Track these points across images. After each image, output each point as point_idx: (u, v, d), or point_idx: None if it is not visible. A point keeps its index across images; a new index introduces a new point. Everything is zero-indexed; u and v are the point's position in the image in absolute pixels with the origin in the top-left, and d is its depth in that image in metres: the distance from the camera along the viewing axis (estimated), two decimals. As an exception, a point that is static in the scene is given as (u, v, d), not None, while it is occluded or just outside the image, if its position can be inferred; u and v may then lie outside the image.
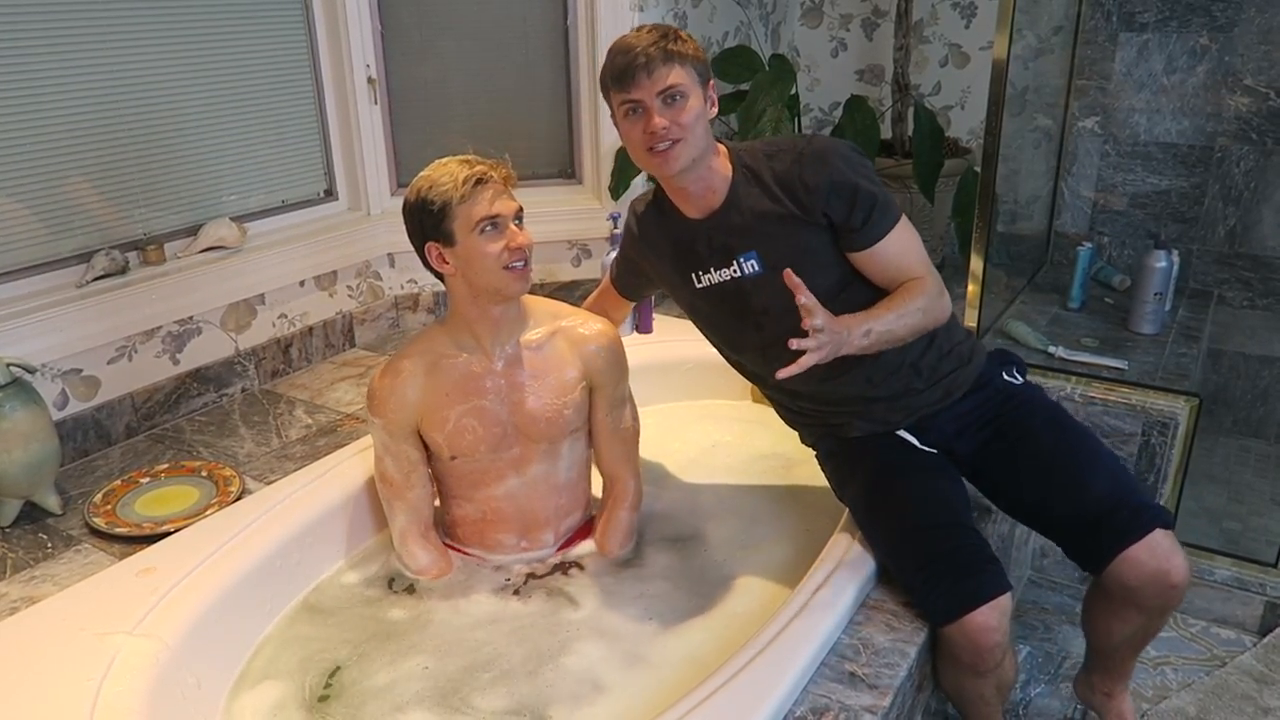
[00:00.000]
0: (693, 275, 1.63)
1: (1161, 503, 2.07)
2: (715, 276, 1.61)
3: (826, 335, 1.36)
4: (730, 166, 1.56)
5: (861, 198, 1.49)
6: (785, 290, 1.49)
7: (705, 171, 1.53)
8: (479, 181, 1.51)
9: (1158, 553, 1.43)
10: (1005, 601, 1.39)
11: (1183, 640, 2.03)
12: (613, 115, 1.53)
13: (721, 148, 1.58)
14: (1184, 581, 1.45)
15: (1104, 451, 1.57)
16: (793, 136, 1.60)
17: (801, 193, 1.51)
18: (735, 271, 1.58)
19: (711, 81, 1.52)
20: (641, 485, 1.81)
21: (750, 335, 1.62)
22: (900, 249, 1.54)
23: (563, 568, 1.72)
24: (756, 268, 1.55)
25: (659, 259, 1.69)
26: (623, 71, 1.45)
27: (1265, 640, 2.00)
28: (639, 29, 1.48)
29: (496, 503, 1.70)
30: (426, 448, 1.68)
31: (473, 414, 1.62)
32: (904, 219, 1.55)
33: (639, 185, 2.64)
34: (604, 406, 1.73)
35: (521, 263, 1.55)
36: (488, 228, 1.52)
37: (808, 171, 1.50)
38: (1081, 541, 1.51)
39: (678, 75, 1.44)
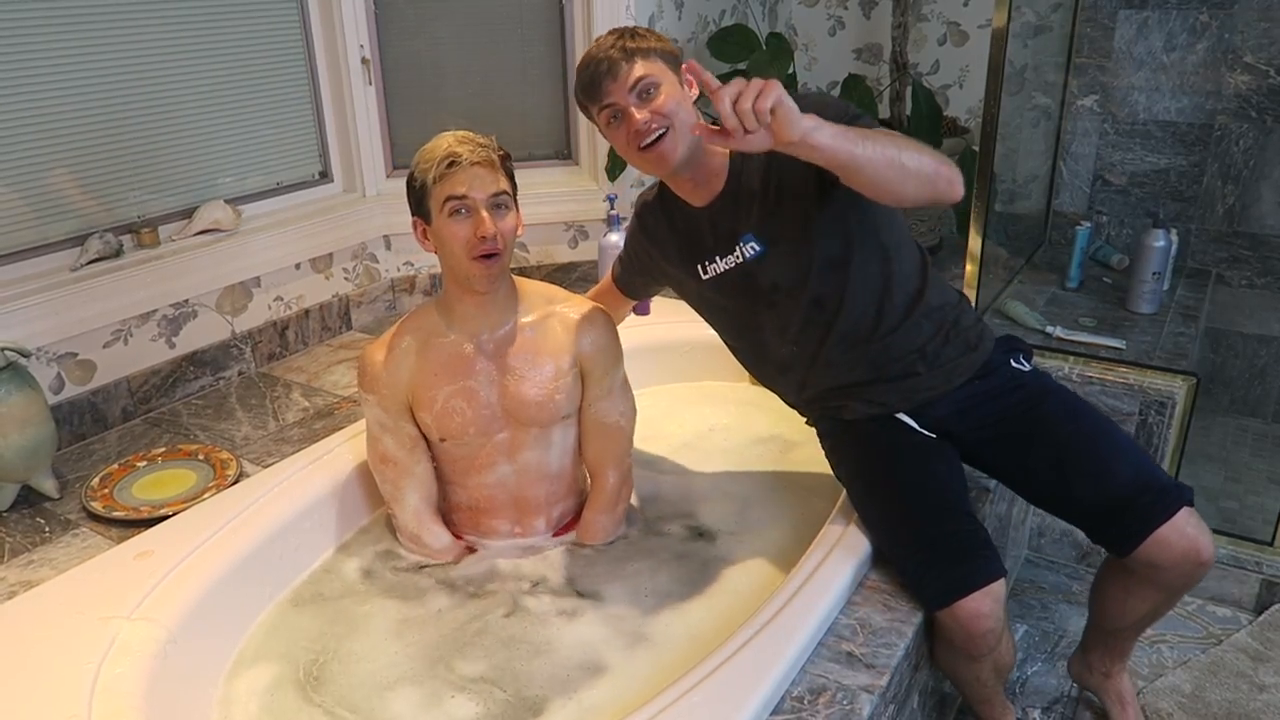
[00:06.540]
0: (699, 266, 1.61)
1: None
2: (721, 265, 1.58)
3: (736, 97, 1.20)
4: None
5: (833, 113, 1.36)
6: (789, 263, 1.46)
7: (703, 156, 1.51)
8: (452, 162, 1.46)
9: (1187, 532, 1.44)
10: (999, 588, 1.39)
11: (1179, 618, 2.04)
12: (599, 130, 1.51)
13: None
14: (1211, 558, 1.45)
15: (1121, 434, 1.56)
16: None
17: (783, 154, 1.44)
18: (738, 257, 1.56)
19: (685, 65, 1.48)
20: (630, 483, 1.77)
21: (765, 315, 1.60)
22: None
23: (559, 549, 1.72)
24: (756, 248, 1.54)
25: (665, 253, 1.67)
26: (590, 82, 1.44)
27: (1261, 618, 2.01)
28: (599, 37, 1.47)
29: (488, 490, 1.68)
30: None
31: (460, 395, 1.60)
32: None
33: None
34: (591, 395, 1.68)
35: (489, 255, 1.49)
36: (459, 210, 1.47)
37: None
38: (1109, 526, 1.50)
39: (644, 68, 1.43)
